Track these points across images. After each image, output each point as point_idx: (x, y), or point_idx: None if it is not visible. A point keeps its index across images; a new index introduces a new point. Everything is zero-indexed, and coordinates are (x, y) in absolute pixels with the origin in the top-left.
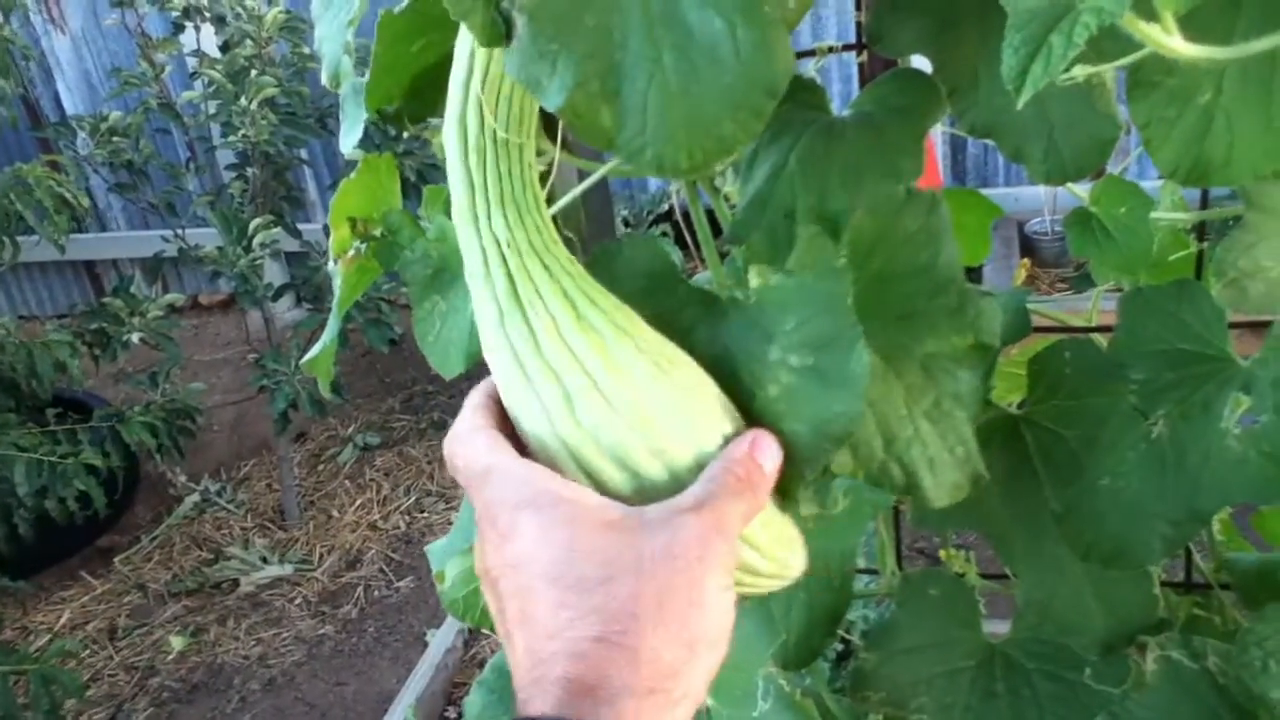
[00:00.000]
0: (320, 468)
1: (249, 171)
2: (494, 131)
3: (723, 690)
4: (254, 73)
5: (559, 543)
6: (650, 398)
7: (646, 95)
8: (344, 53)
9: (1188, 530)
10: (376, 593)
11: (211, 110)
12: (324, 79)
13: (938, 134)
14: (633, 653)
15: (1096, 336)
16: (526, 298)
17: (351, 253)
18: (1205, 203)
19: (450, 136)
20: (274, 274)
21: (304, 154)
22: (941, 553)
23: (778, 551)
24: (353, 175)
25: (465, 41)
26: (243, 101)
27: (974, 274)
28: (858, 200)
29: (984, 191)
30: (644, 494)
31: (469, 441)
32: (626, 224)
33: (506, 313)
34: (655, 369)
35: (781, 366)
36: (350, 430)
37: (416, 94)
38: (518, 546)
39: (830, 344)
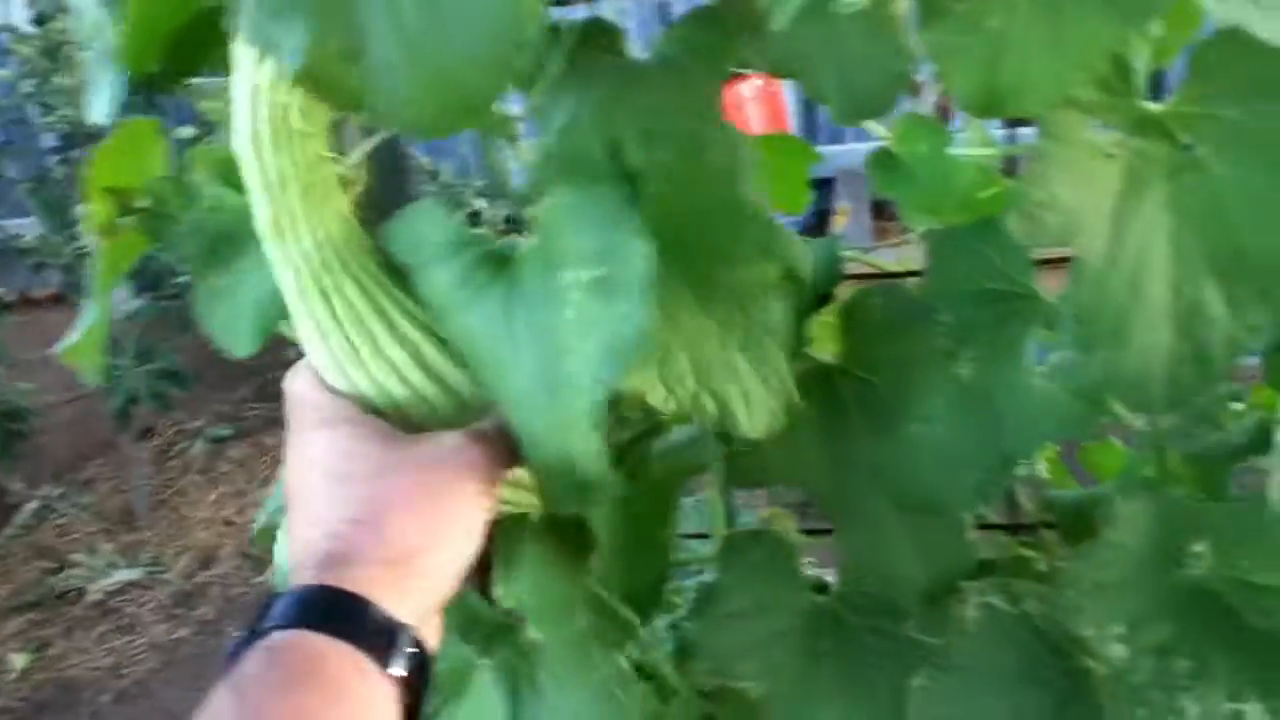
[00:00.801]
0: (170, 464)
1: (73, 154)
2: (291, 145)
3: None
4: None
5: (340, 450)
6: (465, 399)
7: (391, 51)
8: (97, 4)
9: (1001, 473)
10: (234, 590)
11: (27, 90)
12: (79, 36)
13: (790, 88)
14: (378, 531)
15: (912, 281)
16: (344, 316)
17: (114, 227)
18: (1014, 136)
19: (245, 155)
20: None
21: None
22: (761, 513)
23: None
24: (106, 142)
25: (246, 58)
26: (60, 79)
27: (819, 229)
28: (653, 150)
29: (837, 147)
30: None
31: (296, 378)
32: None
33: (327, 331)
34: (463, 371)
35: (574, 287)
36: (200, 422)
37: (175, 52)
38: (308, 454)
39: (613, 250)
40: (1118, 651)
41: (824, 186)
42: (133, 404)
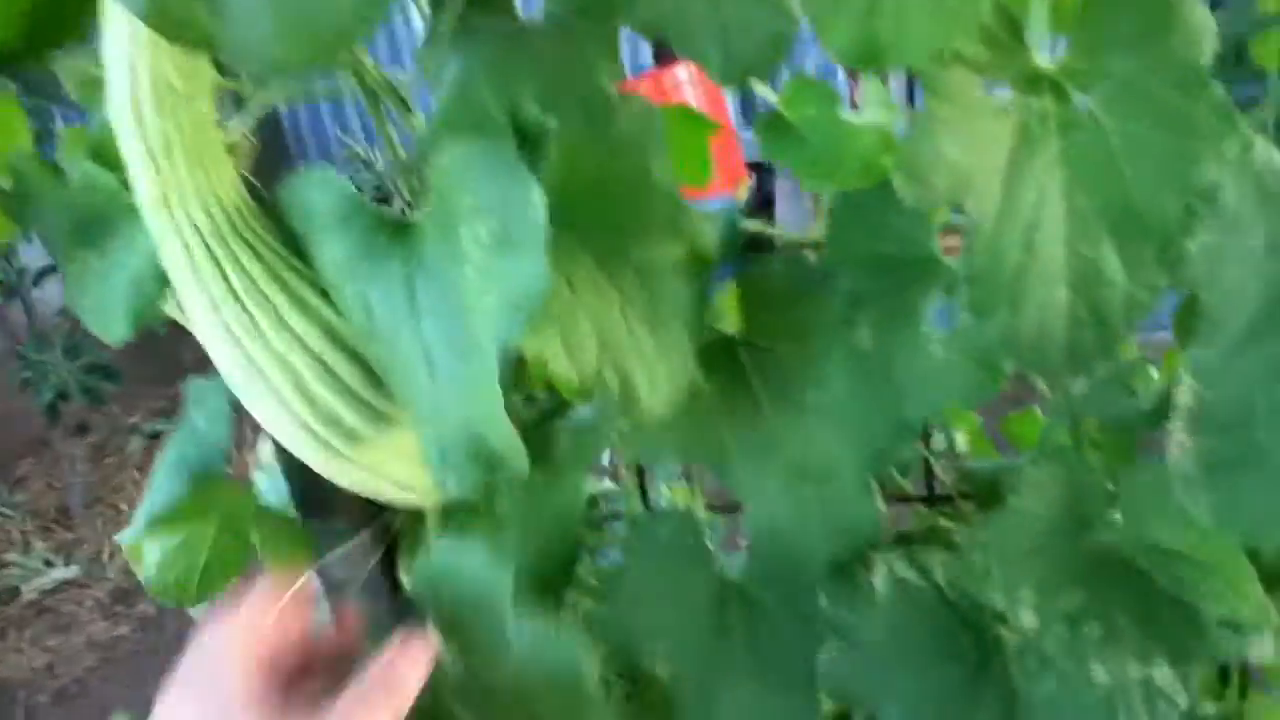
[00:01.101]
0: (106, 460)
1: None
2: (175, 108)
3: None
4: None
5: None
6: (371, 371)
7: None
8: None
9: (901, 441)
10: None
11: None
12: None
13: None
14: None
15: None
16: (241, 286)
17: None
18: (912, 98)
19: (123, 122)
20: (35, 257)
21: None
22: (664, 489)
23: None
24: None
25: (118, 17)
26: None
27: (766, 208)
28: (551, 111)
29: None
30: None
31: (208, 620)
32: None
33: (221, 302)
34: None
35: (474, 245)
36: (136, 418)
37: (33, 28)
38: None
39: (507, 200)
40: (1028, 620)
41: (766, 169)
42: (63, 400)
